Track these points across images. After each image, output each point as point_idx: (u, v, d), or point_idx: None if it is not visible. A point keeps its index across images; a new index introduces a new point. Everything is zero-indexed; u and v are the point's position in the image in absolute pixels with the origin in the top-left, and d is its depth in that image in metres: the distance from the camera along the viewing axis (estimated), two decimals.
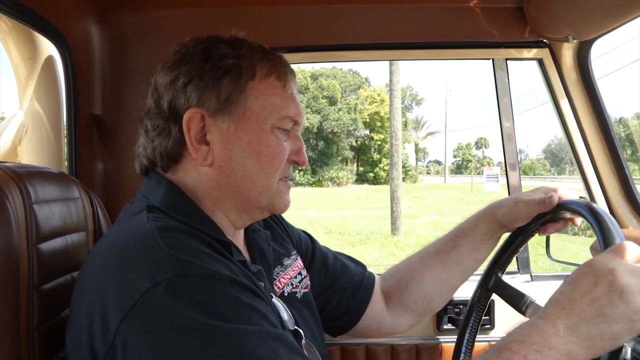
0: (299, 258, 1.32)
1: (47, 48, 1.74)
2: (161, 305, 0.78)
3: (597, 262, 0.89)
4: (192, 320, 0.77)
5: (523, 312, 1.29)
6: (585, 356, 0.85)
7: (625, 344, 0.88)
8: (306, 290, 1.27)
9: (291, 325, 1.09)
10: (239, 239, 1.15)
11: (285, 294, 1.19)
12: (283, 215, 1.40)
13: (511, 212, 1.28)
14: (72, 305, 0.93)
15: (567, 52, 1.90)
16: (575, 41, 1.78)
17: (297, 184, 47.69)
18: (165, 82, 1.03)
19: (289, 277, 1.23)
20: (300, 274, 1.28)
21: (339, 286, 1.39)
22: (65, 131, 1.78)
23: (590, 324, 0.84)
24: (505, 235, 1.36)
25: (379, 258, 11.65)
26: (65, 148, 1.80)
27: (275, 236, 1.30)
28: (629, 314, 0.84)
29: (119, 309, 0.79)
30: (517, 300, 1.29)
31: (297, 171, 48.37)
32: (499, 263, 1.34)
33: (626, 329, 0.84)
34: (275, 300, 1.09)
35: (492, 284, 1.35)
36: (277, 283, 1.19)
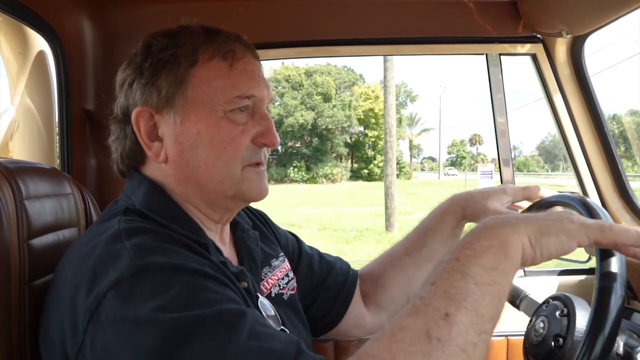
0: (286, 260, 1.31)
1: (39, 43, 1.73)
2: (123, 302, 0.78)
3: (489, 220, 0.84)
4: (154, 314, 0.76)
5: (517, 306, 1.29)
6: (518, 239, 0.79)
7: (617, 338, 0.89)
8: (293, 292, 1.26)
9: (277, 325, 1.08)
10: (224, 238, 1.14)
11: (272, 295, 1.18)
12: (274, 211, 1.40)
13: (478, 214, 1.29)
14: (45, 308, 0.93)
15: (561, 48, 1.90)
16: (568, 36, 1.79)
17: (292, 181, 47.69)
18: (118, 85, 1.05)
19: (276, 278, 1.22)
20: (287, 275, 1.27)
21: (324, 287, 1.38)
22: (57, 127, 1.77)
23: (518, 217, 0.84)
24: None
25: (373, 254, 11.59)
26: (58, 144, 1.79)
27: (263, 237, 1.29)
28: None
29: (87, 309, 0.79)
30: (511, 294, 1.29)
31: (291, 168, 48.38)
32: None
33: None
34: (262, 299, 1.08)
35: None
36: (265, 284, 1.18)
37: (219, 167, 1.00)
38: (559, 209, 1.02)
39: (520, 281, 1.98)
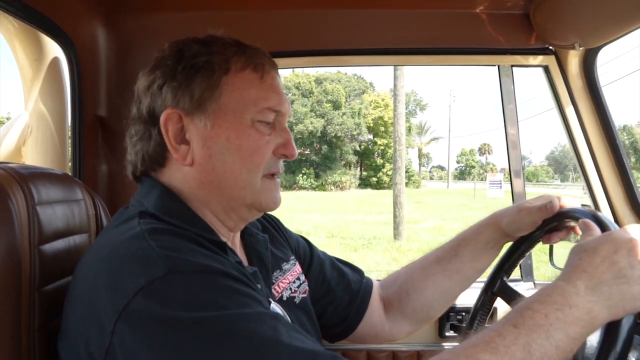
0: (297, 263, 1.32)
1: (53, 49, 1.74)
2: (157, 303, 0.78)
3: (616, 233, 0.95)
4: (190, 314, 0.78)
5: None
6: (607, 315, 0.87)
7: (629, 354, 0.88)
8: (304, 295, 1.27)
9: None
10: (235, 242, 1.15)
11: (284, 299, 1.19)
12: (283, 217, 1.40)
13: (515, 220, 1.28)
14: (65, 312, 0.93)
15: (573, 60, 1.89)
16: (581, 49, 1.77)
17: (300, 188, 47.71)
18: (143, 87, 1.05)
19: (287, 281, 1.23)
20: (298, 279, 1.27)
21: (336, 294, 1.38)
22: (70, 132, 1.78)
23: (611, 284, 0.88)
24: (508, 245, 1.35)
25: (381, 263, 11.62)
26: (70, 149, 1.80)
27: (274, 241, 1.30)
28: None
29: (114, 309, 0.79)
30: None
31: (300, 175, 48.42)
32: (505, 267, 1.33)
33: None
34: (273, 304, 1.09)
35: (497, 288, 1.34)
36: (276, 287, 1.18)
37: (243, 174, 1.02)
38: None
39: (530, 294, 1.96)
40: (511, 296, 1.30)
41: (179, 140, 1.02)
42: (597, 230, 1.01)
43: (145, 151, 1.05)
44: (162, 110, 1.01)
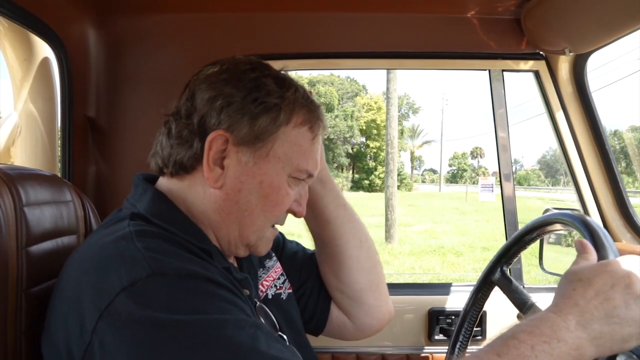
0: (278, 260, 1.32)
1: (43, 50, 1.74)
2: (138, 304, 0.78)
3: (614, 264, 0.91)
4: (169, 316, 0.77)
5: (523, 312, 1.28)
6: (594, 353, 0.86)
7: (617, 358, 0.88)
8: (290, 290, 1.27)
9: (274, 331, 1.09)
10: None
11: (269, 297, 1.19)
12: None
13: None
14: (49, 309, 0.93)
15: (564, 65, 1.91)
16: (571, 54, 1.79)
17: None
18: (204, 97, 1.01)
19: (272, 279, 1.23)
20: (283, 274, 1.28)
21: (308, 285, 1.36)
22: (60, 133, 1.77)
23: (603, 323, 0.86)
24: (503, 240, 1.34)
25: None
26: (59, 150, 1.79)
27: None
28: None
29: (96, 308, 0.79)
30: (520, 298, 1.28)
31: None
32: (507, 256, 1.33)
33: (637, 333, 0.86)
34: (259, 305, 1.09)
35: (496, 276, 1.33)
36: (260, 286, 1.19)
37: (259, 220, 1.04)
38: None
39: None
40: (510, 287, 1.29)
41: (215, 162, 1.00)
42: (593, 255, 0.97)
43: (180, 157, 1.03)
44: (213, 128, 0.99)
